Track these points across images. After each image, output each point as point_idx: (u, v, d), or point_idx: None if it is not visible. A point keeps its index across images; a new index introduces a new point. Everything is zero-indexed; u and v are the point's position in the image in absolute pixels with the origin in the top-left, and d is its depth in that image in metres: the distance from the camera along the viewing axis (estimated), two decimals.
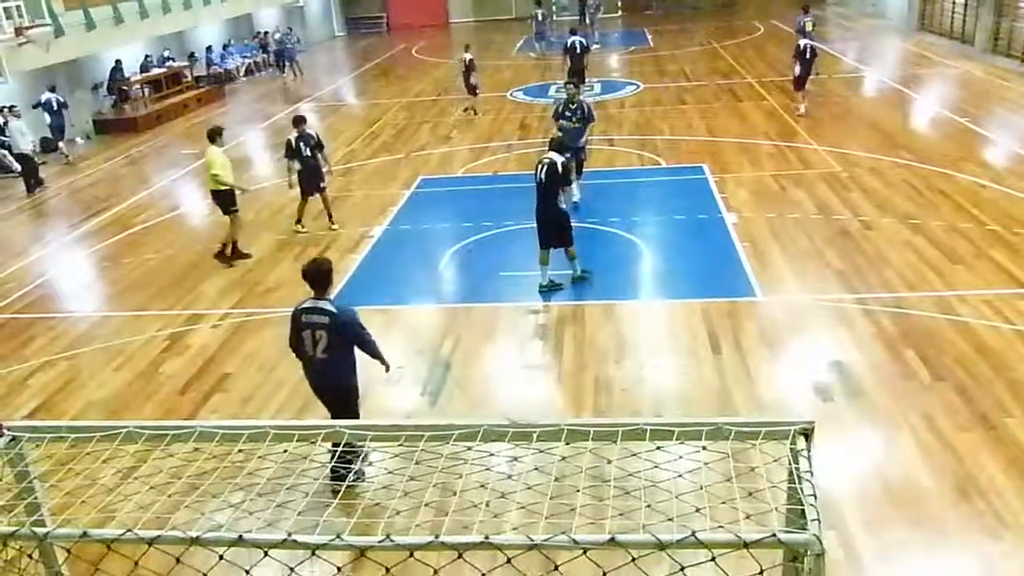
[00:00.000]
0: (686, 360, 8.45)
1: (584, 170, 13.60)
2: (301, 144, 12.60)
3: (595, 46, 31.70)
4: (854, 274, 10.06)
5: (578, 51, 21.16)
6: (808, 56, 17.92)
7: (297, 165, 12.69)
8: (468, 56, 20.47)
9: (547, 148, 10.29)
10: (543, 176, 9.96)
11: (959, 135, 16.05)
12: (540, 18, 30.32)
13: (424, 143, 18.45)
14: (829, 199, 12.77)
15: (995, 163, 14.28)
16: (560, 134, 11.02)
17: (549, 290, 10.29)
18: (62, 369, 9.27)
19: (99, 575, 3.16)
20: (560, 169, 9.90)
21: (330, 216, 13.16)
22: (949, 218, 11.60)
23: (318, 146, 12.79)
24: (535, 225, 10.29)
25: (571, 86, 13.35)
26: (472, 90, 20.66)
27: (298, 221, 13.09)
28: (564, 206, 10.18)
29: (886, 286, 9.71)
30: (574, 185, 12.45)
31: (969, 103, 18.48)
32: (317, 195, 12.95)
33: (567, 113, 12.99)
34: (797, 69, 18.07)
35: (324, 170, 12.91)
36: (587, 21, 34.00)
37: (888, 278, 9.90)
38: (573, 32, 22.33)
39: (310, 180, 12.80)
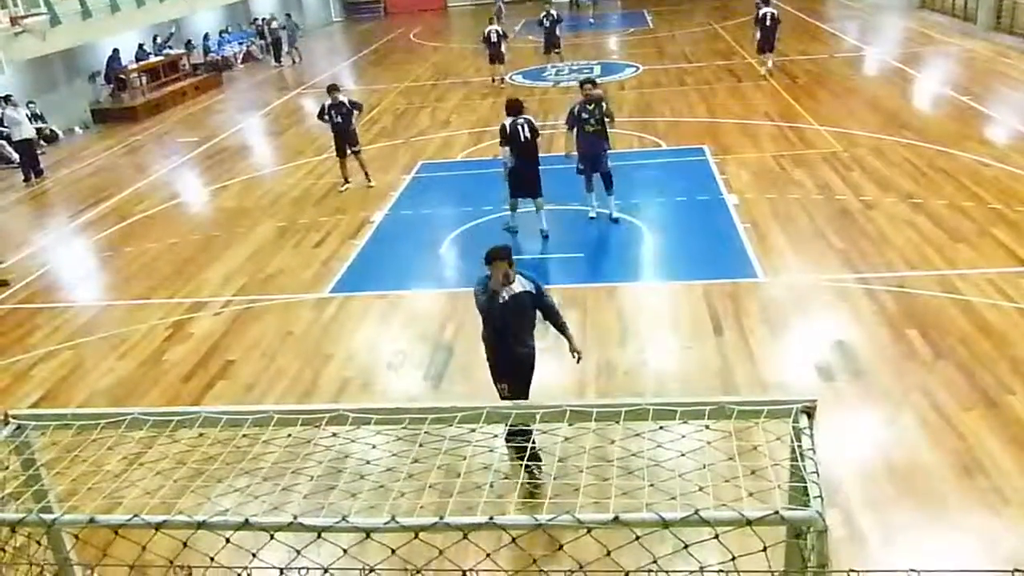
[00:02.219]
0: (688, 341, 8.46)
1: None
2: (332, 111, 13.95)
3: (592, 20, 32.24)
4: (856, 254, 10.05)
5: (500, 37, 22.59)
6: (768, 23, 19.72)
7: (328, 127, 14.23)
8: (499, 28, 21.93)
9: (507, 114, 11.09)
10: (528, 134, 10.97)
11: (961, 114, 15.99)
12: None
13: (423, 128, 18.40)
14: (830, 179, 12.74)
15: (997, 141, 14.23)
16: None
17: (515, 232, 11.54)
18: (66, 358, 9.29)
19: (107, 560, 3.17)
20: (535, 122, 11.24)
21: (366, 175, 14.44)
22: (951, 197, 11.58)
23: (350, 113, 13.99)
24: (510, 179, 11.23)
25: (589, 85, 11.37)
26: (502, 59, 22.07)
27: (345, 180, 14.38)
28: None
29: (888, 265, 9.70)
30: (611, 200, 11.65)
31: (971, 81, 18.39)
32: (353, 157, 14.24)
33: (584, 115, 11.22)
34: (757, 35, 20.02)
35: (353, 128, 14.11)
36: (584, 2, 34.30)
37: (890, 257, 9.89)
38: (493, 19, 24.71)
39: (341, 144, 14.21)
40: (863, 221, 11.01)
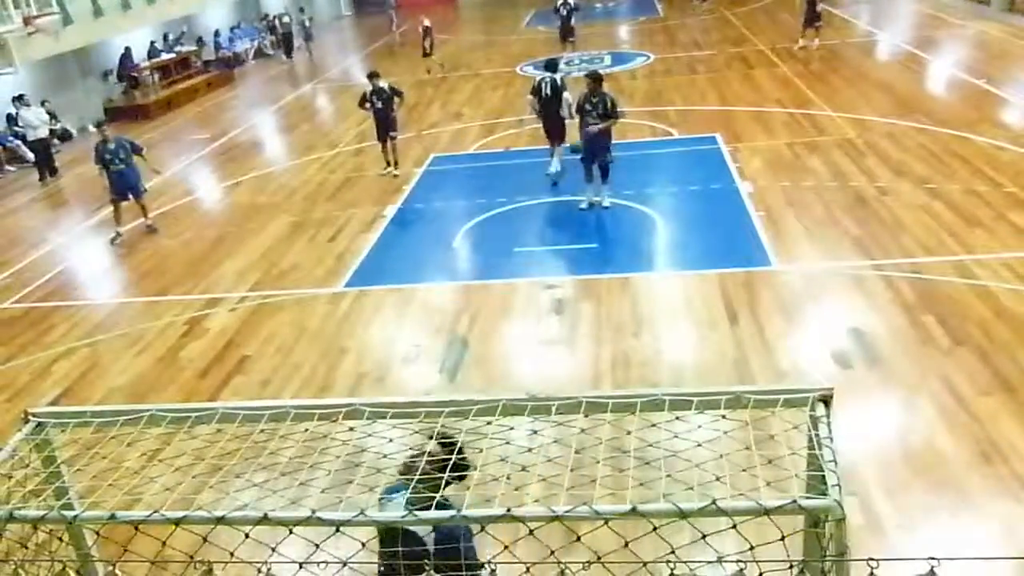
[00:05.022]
0: (703, 331, 8.44)
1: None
2: (374, 97, 14.26)
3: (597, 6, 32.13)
4: (871, 240, 9.99)
5: (392, 25, 25.06)
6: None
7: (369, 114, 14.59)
8: (427, 23, 23.49)
9: (544, 69, 12.95)
10: (548, 91, 12.51)
11: (976, 97, 15.84)
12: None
13: (435, 121, 18.39)
14: (844, 165, 12.66)
15: (1013, 124, 14.10)
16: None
17: (559, 177, 12.86)
18: (84, 356, 9.36)
19: (128, 556, 3.20)
20: (560, 83, 12.55)
21: (394, 163, 14.62)
22: (966, 181, 11.48)
23: (391, 99, 14.28)
24: (543, 128, 13.09)
25: (591, 80, 11.49)
26: (428, 53, 23.50)
27: (387, 164, 14.63)
28: (564, 115, 12.52)
29: (903, 251, 9.64)
30: (604, 189, 11.81)
31: (986, 64, 18.22)
32: (389, 143, 14.47)
33: (587, 107, 11.38)
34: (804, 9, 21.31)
35: (394, 114, 14.41)
36: None
37: (905, 243, 9.82)
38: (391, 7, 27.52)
39: (382, 129, 14.43)
40: (878, 207, 10.94)
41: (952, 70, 18.34)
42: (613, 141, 11.91)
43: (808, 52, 21.09)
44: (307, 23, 30.35)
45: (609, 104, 11.35)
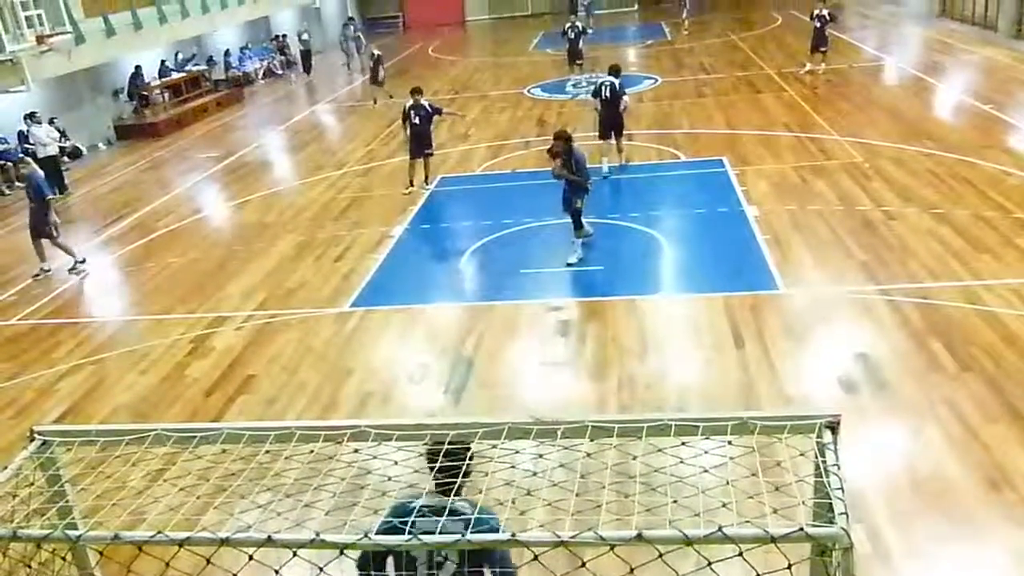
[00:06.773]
0: (709, 355, 8.41)
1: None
2: (412, 112, 14.40)
3: (590, 31, 31.75)
4: (878, 265, 9.97)
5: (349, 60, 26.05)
6: (818, 24, 20.99)
7: (407, 129, 14.60)
8: (377, 52, 23.61)
9: (608, 72, 14.26)
10: (608, 94, 13.96)
11: (983, 122, 15.86)
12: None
13: (442, 142, 18.41)
14: (851, 190, 12.66)
15: (1020, 150, 14.09)
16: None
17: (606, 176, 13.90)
18: (89, 373, 9.37)
19: None
20: (619, 87, 14.03)
21: (426, 178, 14.89)
22: (974, 207, 11.47)
23: (430, 116, 14.53)
24: (599, 127, 14.35)
25: (561, 140, 10.85)
26: (379, 82, 23.27)
27: (410, 183, 14.73)
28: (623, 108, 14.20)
29: (910, 276, 9.62)
30: (572, 244, 10.98)
31: (993, 90, 18.25)
32: (421, 159, 14.68)
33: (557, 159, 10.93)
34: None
35: (429, 133, 14.64)
36: (580, 12, 33.74)
37: (912, 268, 9.80)
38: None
39: (417, 145, 14.57)
40: (885, 232, 10.93)
41: (959, 95, 18.38)
42: (624, 163, 13.04)
43: (815, 76, 21.17)
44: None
45: (573, 165, 10.70)
